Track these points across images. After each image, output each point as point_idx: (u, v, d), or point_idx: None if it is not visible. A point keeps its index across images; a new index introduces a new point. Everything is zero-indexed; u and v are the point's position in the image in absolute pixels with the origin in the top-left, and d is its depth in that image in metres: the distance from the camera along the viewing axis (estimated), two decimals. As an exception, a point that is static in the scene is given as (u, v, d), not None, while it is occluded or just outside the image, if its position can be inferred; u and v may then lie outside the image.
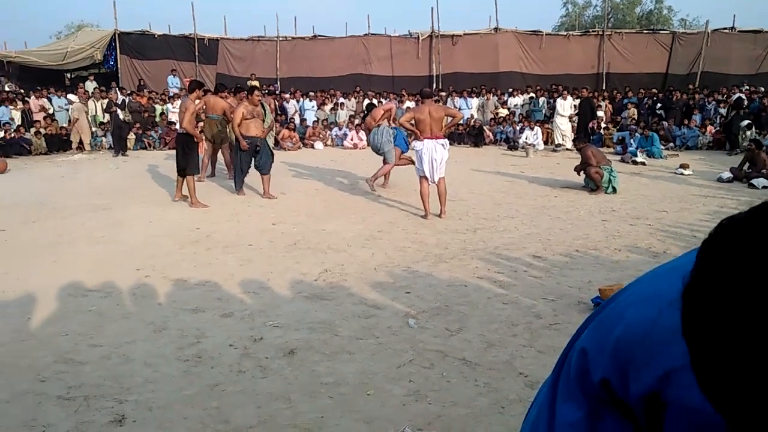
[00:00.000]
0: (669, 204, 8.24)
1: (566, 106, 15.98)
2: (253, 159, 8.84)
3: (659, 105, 17.58)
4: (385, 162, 9.20)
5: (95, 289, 4.86)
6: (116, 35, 20.96)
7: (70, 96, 17.23)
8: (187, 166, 8.26)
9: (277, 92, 18.57)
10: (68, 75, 23.04)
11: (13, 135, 14.85)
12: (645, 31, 22.35)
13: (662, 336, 0.69)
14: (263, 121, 8.89)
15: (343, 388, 3.23)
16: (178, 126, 8.97)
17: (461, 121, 14.98)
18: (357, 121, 17.45)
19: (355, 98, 19.58)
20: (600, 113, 17.24)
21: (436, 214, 7.46)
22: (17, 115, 16.21)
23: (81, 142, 15.72)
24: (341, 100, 19.24)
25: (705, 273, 0.51)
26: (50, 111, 16.75)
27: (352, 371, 3.42)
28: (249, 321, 4.18)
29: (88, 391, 3.22)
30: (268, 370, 3.44)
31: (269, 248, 6.12)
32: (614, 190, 9.02)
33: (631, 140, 14.40)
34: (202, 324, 4.12)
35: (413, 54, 21.46)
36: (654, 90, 18.51)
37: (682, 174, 10.87)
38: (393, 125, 9.24)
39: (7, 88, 18.90)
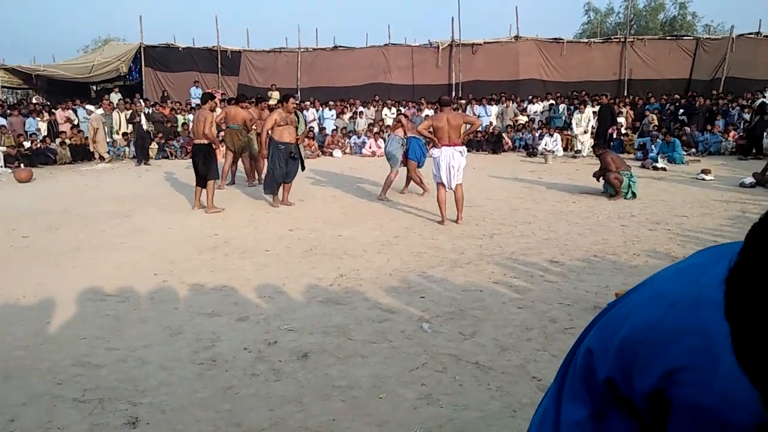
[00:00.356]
0: (690, 209, 8.10)
1: (582, 119, 15.80)
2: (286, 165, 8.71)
3: (681, 111, 17.36)
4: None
5: (114, 294, 4.92)
6: (141, 48, 21.41)
7: (89, 107, 17.55)
8: (208, 173, 8.49)
9: (297, 102, 18.73)
10: (94, 87, 23.55)
11: (39, 145, 15.19)
12: (668, 38, 22.13)
13: (665, 336, 0.71)
14: (296, 128, 8.91)
15: (356, 392, 3.21)
16: (193, 136, 9.03)
17: (480, 128, 14.98)
18: (375, 129, 17.52)
19: (374, 107, 19.68)
20: (621, 119, 17.07)
21: (453, 219, 7.42)
22: (43, 126, 16.61)
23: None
24: (360, 108, 19.33)
25: (753, 255, 0.53)
26: (75, 122, 17.08)
27: (365, 375, 3.40)
28: (264, 325, 4.19)
29: (104, 393, 3.25)
30: (282, 374, 3.44)
31: (286, 254, 6.14)
32: (634, 195, 8.91)
33: (653, 146, 14.22)
34: (217, 328, 4.14)
35: (433, 63, 21.51)
36: (676, 96, 18.29)
37: (703, 179, 10.69)
38: (409, 134, 9.24)
39: (34, 101, 19.37)
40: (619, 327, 0.77)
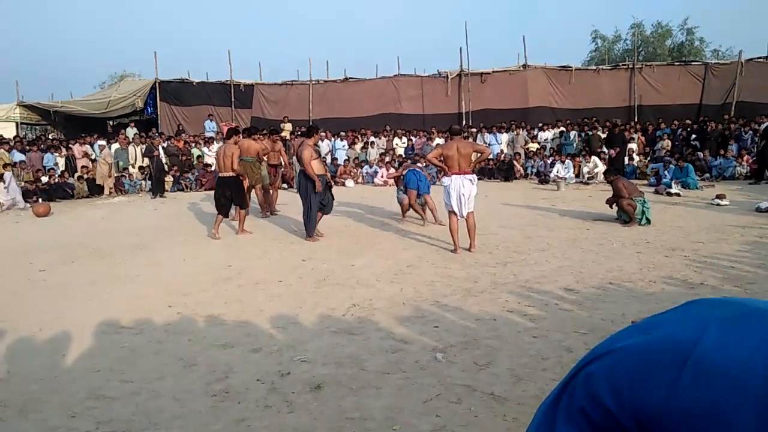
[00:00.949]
0: (705, 235, 8.01)
1: (590, 165, 15.98)
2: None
3: (694, 136, 17.31)
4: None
5: (128, 326, 4.94)
6: (157, 83, 21.83)
7: (100, 142, 17.83)
8: (241, 203, 9.17)
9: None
10: (111, 122, 23.99)
11: (57, 180, 15.43)
12: (676, 63, 22.19)
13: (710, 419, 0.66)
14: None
15: (369, 424, 3.18)
16: (217, 169, 9.55)
17: (491, 156, 15.04)
18: (387, 159, 17.63)
19: (385, 136, 19.85)
20: (632, 145, 17.05)
21: (466, 248, 7.40)
22: (61, 161, 16.90)
23: (117, 184, 16.22)
24: (371, 138, 19.50)
25: None
26: (92, 156, 17.37)
27: (379, 406, 3.36)
28: (277, 356, 4.17)
29: (117, 426, 3.24)
30: (295, 405, 3.41)
31: (299, 284, 6.15)
32: (648, 221, 8.84)
33: (666, 172, 14.15)
34: (230, 359, 4.13)
35: (442, 92, 21.71)
36: (688, 121, 18.26)
37: (718, 204, 10.59)
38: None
39: (51, 137, 19.74)
40: (638, 388, 0.73)
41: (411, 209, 9.77)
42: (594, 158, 16.05)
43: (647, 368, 0.74)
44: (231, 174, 8.99)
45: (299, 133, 17.83)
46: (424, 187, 9.58)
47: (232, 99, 22.41)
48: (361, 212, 11.19)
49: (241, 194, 9.22)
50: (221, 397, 3.56)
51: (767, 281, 5.70)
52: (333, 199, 8.89)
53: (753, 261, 6.47)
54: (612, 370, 0.79)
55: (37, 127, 22.80)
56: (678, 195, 12.31)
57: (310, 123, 21.16)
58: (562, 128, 18.91)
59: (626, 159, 16.28)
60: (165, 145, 17.54)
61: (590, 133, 17.99)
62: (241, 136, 10.26)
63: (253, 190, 11.02)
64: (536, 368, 3.81)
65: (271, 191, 11.33)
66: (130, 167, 16.99)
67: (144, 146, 16.62)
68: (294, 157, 14.89)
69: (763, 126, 15.49)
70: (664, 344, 0.74)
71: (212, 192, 15.30)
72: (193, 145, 18.89)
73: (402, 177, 9.84)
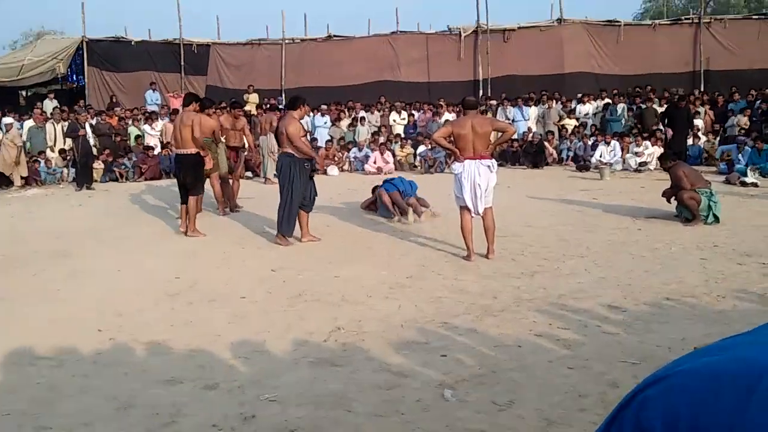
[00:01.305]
0: (790, 237, 8.08)
1: (640, 149, 16.08)
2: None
3: (776, 110, 17.38)
4: None
5: (47, 357, 4.93)
6: (84, 43, 21.75)
7: (6, 120, 17.54)
8: (194, 187, 9.08)
9: (281, 107, 18.78)
10: (24, 93, 23.85)
11: (-47, 168, 15.35)
12: (755, 17, 22.24)
13: None
14: None
15: (357, 481, 3.19)
16: (173, 145, 9.95)
17: (515, 136, 15.07)
18: (381, 140, 17.57)
19: (379, 111, 19.80)
20: (698, 122, 17.10)
21: (482, 254, 7.45)
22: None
23: (31, 172, 16.10)
24: (361, 113, 19.48)
25: None
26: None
27: (369, 458, 3.38)
28: (238, 394, 4.18)
29: (31, 485, 3.24)
30: (261, 458, 3.43)
31: (267, 301, 6.17)
32: (716, 219, 8.90)
33: (740, 155, 14.23)
34: (178, 399, 4.14)
35: (454, 54, 21.76)
36: (768, 91, 18.33)
37: (807, 198, 10.67)
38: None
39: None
40: (705, 418, 0.74)
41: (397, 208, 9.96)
42: (645, 142, 16.10)
43: (711, 392, 0.76)
44: (189, 150, 9.01)
45: (269, 105, 17.81)
46: (404, 187, 10.08)
47: (182, 63, 22.39)
48: (348, 208, 11.21)
49: (198, 176, 9.23)
50: (166, 447, 3.56)
51: None
52: (316, 194, 8.90)
53: None
54: (668, 395, 0.80)
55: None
56: (755, 185, 12.38)
57: (282, 93, 21.16)
58: (607, 100, 18.97)
59: (690, 139, 16.31)
60: (94, 122, 17.49)
61: (643, 106, 18.03)
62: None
63: (208, 180, 10.99)
64: (572, 408, 3.83)
65: (231, 181, 11.31)
66: (48, 150, 16.90)
67: (66, 124, 16.55)
68: (260, 138, 14.97)
69: None
70: (734, 366, 0.76)
71: (153, 182, 15.40)
72: (131, 122, 18.85)
73: (375, 199, 10.44)
